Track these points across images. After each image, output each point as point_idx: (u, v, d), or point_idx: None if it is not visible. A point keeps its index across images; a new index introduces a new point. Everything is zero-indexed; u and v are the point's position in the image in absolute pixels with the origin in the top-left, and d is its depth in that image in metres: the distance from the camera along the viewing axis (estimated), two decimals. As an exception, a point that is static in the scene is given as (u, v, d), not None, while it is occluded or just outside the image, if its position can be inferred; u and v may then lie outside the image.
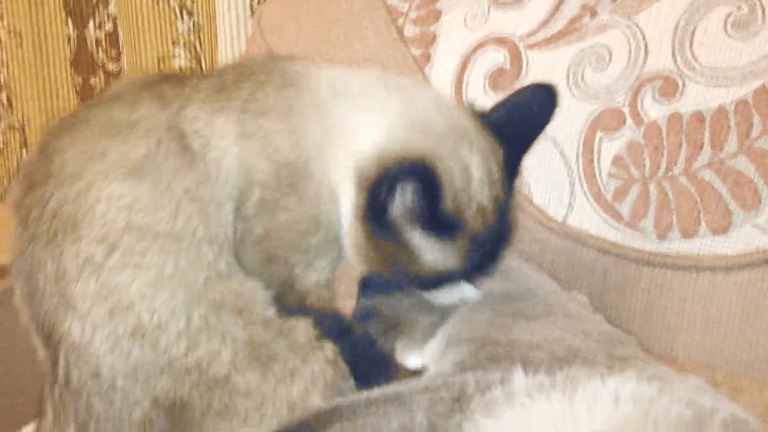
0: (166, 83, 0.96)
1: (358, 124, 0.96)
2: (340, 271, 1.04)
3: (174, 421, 0.88)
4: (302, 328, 0.94)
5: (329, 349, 0.94)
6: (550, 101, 1.01)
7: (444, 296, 1.03)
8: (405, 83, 1.03)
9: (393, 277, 0.99)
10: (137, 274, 0.86)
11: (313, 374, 0.92)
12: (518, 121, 1.01)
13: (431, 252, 0.95)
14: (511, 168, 1.00)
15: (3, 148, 2.70)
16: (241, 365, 0.89)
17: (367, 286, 1.13)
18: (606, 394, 0.80)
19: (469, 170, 0.95)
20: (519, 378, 0.84)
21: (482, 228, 0.95)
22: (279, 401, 0.89)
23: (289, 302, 0.96)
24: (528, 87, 1.05)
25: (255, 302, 0.93)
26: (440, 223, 0.94)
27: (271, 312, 0.93)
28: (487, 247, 0.97)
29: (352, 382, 0.95)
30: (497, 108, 1.02)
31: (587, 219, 1.29)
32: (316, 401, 0.91)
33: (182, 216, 0.89)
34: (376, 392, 0.87)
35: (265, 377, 0.89)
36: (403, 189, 0.92)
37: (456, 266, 0.96)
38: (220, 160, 0.93)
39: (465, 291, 1.02)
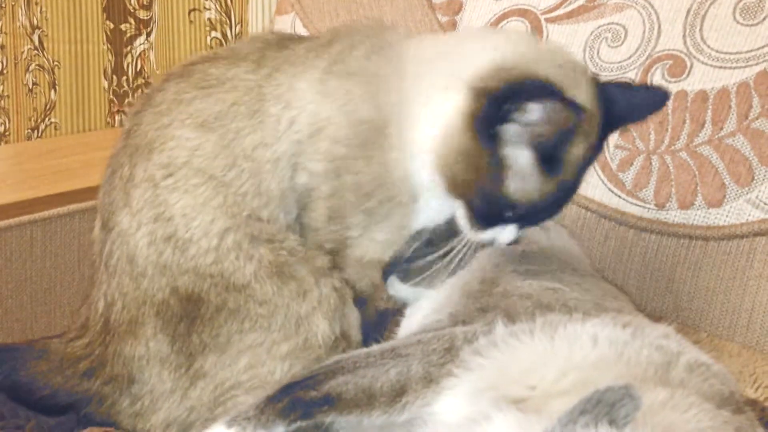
0: (270, 49, 1.05)
1: (466, 55, 0.99)
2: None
3: (188, 310, 1.00)
4: (321, 257, 1.04)
5: (337, 278, 1.04)
6: (659, 104, 1.04)
7: (484, 236, 1.02)
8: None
9: (468, 199, 1.00)
10: (183, 197, 1.00)
11: (321, 297, 1.02)
12: (623, 105, 1.01)
13: (521, 178, 0.96)
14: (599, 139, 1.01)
15: (33, 87, 2.75)
16: (261, 278, 1.00)
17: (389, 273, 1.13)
18: (585, 335, 0.85)
19: None
20: (500, 328, 0.88)
21: (570, 178, 0.98)
22: (289, 314, 1.00)
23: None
24: (652, 86, 1.09)
25: (286, 238, 1.02)
26: (549, 157, 0.95)
27: (300, 246, 1.03)
28: (560, 197, 1.00)
29: (351, 309, 1.05)
30: (617, 84, 1.05)
31: (592, 186, 1.34)
32: (320, 321, 1.01)
33: (235, 170, 1.00)
34: (374, 348, 0.93)
35: (281, 291, 1.00)
36: (537, 108, 0.91)
37: (530, 202, 0.98)
38: (296, 118, 1.01)
39: (502, 234, 1.01)
